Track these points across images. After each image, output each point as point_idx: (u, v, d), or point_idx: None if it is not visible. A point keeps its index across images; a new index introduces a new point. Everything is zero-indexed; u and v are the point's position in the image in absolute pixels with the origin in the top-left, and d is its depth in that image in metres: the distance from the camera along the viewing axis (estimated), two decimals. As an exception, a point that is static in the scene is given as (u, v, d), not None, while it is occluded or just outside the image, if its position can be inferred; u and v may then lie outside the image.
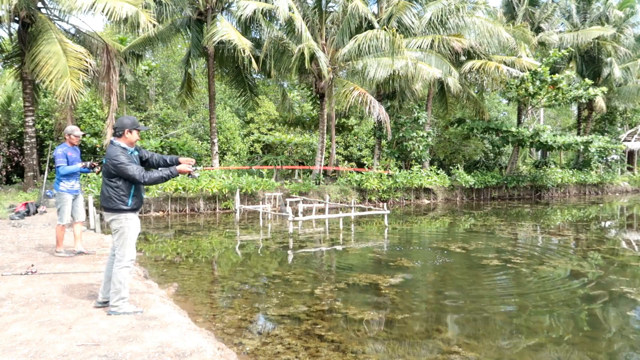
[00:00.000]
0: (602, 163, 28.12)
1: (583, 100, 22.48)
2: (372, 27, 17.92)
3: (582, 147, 23.14)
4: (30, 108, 15.51)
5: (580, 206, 19.91)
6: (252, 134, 27.76)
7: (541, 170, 24.40)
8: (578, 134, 28.62)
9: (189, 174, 4.48)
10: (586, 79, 22.00)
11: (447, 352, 4.38)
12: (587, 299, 6.34)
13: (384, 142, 22.02)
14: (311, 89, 21.17)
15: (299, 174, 22.92)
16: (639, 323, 5.37)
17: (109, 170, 4.31)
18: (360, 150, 28.92)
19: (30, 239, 8.18)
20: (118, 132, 4.40)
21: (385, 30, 16.45)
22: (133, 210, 4.42)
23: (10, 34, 16.39)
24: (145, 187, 4.57)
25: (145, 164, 4.67)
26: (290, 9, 16.17)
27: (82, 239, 7.19)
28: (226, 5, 19.18)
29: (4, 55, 17.19)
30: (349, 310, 5.48)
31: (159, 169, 4.47)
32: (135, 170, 4.26)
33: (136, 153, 4.60)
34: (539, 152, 33.44)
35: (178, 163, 4.58)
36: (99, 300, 4.59)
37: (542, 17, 26.26)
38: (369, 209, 14.40)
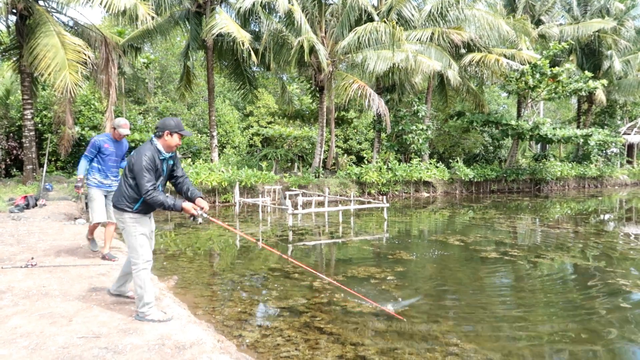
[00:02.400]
0: (601, 156, 28.16)
1: (583, 93, 22.45)
2: (371, 20, 17.85)
3: (581, 140, 23.13)
4: (29, 101, 15.47)
5: (579, 199, 19.93)
6: (252, 127, 27.72)
7: (541, 164, 24.41)
8: (578, 127, 28.62)
9: (193, 217, 4.12)
10: (586, 72, 21.95)
11: (446, 344, 4.41)
12: (585, 291, 6.36)
13: (383, 135, 22.01)
14: (310, 82, 21.12)
15: (298, 167, 22.92)
16: (634, 315, 5.40)
17: (130, 164, 4.00)
18: (359, 143, 28.90)
19: (30, 232, 8.19)
20: (158, 133, 4.07)
21: (385, 22, 16.39)
22: (139, 212, 4.12)
23: (8, 27, 16.31)
24: None
25: (173, 179, 4.38)
26: (289, 1, 16.10)
27: (111, 242, 6.51)
28: (225, -2, 19.10)
29: (1, 48, 17.10)
30: (348, 302, 5.50)
31: (169, 195, 4.13)
32: (146, 180, 3.91)
33: (171, 162, 4.25)
34: (539, 145, 33.47)
35: (194, 199, 4.27)
36: (110, 291, 4.68)
37: (542, 10, 26.17)
38: (369, 202, 14.41)
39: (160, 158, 4.07)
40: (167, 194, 4.09)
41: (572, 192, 23.59)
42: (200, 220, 4.14)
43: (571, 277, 7.26)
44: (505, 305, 5.70)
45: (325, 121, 19.83)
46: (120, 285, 4.60)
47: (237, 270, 7.27)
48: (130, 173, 4.03)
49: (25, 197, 11.34)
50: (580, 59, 27.24)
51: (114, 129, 6.04)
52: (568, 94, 22.26)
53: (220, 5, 18.93)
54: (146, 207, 4.12)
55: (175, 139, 4.06)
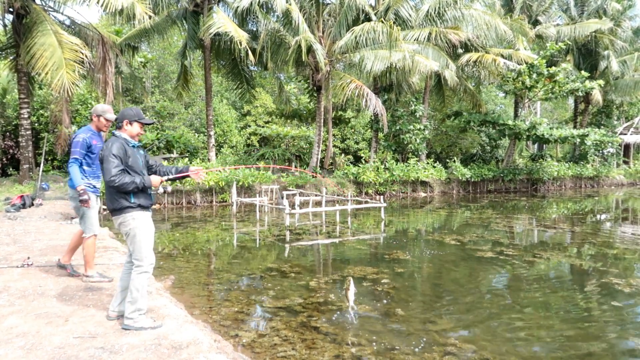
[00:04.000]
0: (598, 156, 28.22)
1: (580, 94, 22.50)
2: (369, 20, 17.86)
3: (578, 140, 23.20)
4: (26, 100, 15.42)
5: (576, 199, 19.99)
6: (249, 126, 27.70)
7: (537, 164, 24.47)
8: (574, 127, 28.68)
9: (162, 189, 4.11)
10: (583, 72, 22.02)
11: (443, 344, 4.42)
12: (581, 291, 6.39)
13: (380, 135, 22.01)
14: (308, 81, 21.10)
15: (295, 167, 22.91)
16: (630, 315, 5.42)
17: (101, 157, 3.85)
18: (357, 143, 28.91)
19: (26, 232, 8.17)
20: (118, 124, 4.02)
21: (382, 22, 16.39)
22: (140, 207, 3.91)
23: (4, 26, 16.28)
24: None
25: (149, 169, 4.22)
26: (287, 0, 16.09)
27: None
28: (223, -3, 19.08)
29: (-2, 47, 17.05)
30: (344, 302, 5.51)
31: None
32: (113, 165, 3.74)
33: (142, 152, 4.16)
34: (536, 145, 33.52)
35: (187, 170, 4.24)
36: (109, 313, 4.07)
37: (539, 10, 26.23)
38: (366, 202, 14.42)
39: (131, 145, 3.98)
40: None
41: (568, 192, 23.65)
42: (166, 189, 4.28)
43: (567, 276, 7.29)
44: (502, 305, 5.71)
45: (322, 121, 19.83)
46: (121, 302, 4.03)
47: (234, 270, 7.27)
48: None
49: (22, 196, 11.32)
50: (577, 59, 27.30)
51: (98, 116, 5.17)
52: (565, 94, 22.32)
53: (218, 5, 18.91)
54: (144, 199, 3.92)
55: (135, 128, 4.03)
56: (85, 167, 5.17)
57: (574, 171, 25.02)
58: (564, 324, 5.07)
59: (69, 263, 5.54)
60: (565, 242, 10.25)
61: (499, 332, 4.81)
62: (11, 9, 14.47)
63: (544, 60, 20.55)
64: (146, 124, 4.13)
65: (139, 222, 3.89)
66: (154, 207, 14.15)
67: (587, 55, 27.28)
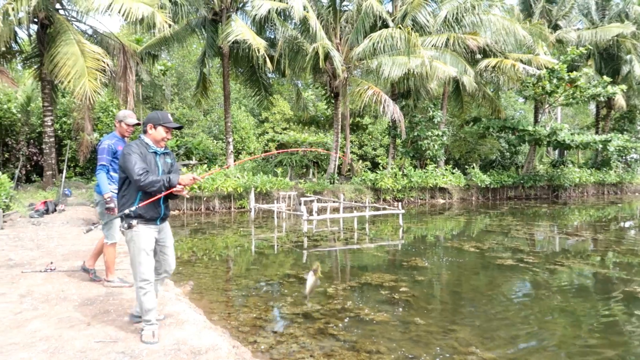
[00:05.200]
0: (621, 162, 27.65)
1: (602, 99, 22.12)
2: (386, 26, 17.85)
3: (600, 146, 22.77)
4: (49, 108, 15.76)
5: (598, 206, 19.59)
6: (267, 133, 27.86)
7: (558, 170, 24.08)
8: (597, 132, 28.16)
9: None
10: (605, 77, 21.65)
11: (464, 352, 4.35)
12: (605, 300, 6.24)
13: (398, 141, 21.93)
14: (325, 88, 21.17)
15: (313, 173, 22.94)
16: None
17: (119, 162, 3.74)
18: (374, 149, 28.84)
19: (49, 237, 8.32)
20: (143, 128, 3.83)
21: (400, 28, 16.37)
22: (141, 218, 3.65)
23: (29, 35, 16.68)
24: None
25: None
26: (305, 8, 16.18)
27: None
28: (241, 5, 19.27)
29: (23, 56, 17.48)
30: (362, 309, 5.47)
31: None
32: (137, 166, 3.54)
33: (169, 161, 3.89)
34: (557, 151, 32.98)
35: None
36: (132, 312, 4.11)
37: (559, 15, 25.90)
38: (384, 209, 14.35)
39: (150, 151, 3.75)
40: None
41: (591, 198, 23.21)
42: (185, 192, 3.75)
43: (590, 285, 7.13)
44: (524, 314, 5.61)
45: (340, 127, 19.85)
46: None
47: (252, 276, 7.28)
48: (121, 173, 3.74)
49: (45, 202, 11.53)
50: (598, 63, 26.85)
51: (120, 122, 5.14)
52: (586, 99, 21.97)
53: (236, 13, 19.11)
54: (150, 210, 3.67)
55: (159, 132, 3.77)
56: (112, 174, 5.14)
57: (596, 178, 24.55)
58: (588, 334, 4.96)
59: (93, 268, 5.57)
60: (587, 250, 10.04)
61: (521, 341, 4.72)
62: (36, 20, 14.83)
63: (565, 65, 20.27)
64: (172, 129, 3.86)
65: (136, 236, 3.65)
66: (173, 213, 14.02)
67: (609, 59, 26.82)
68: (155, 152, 3.80)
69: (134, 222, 3.63)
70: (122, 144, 5.13)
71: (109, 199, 4.99)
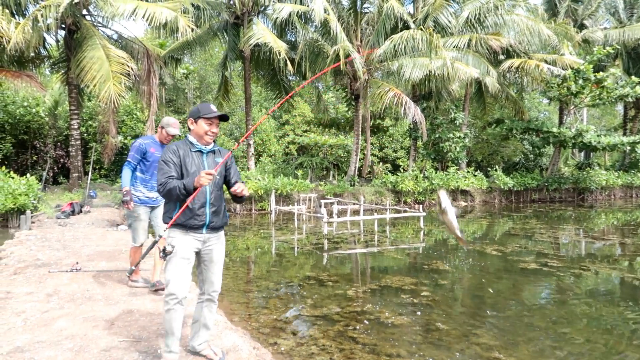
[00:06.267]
0: (650, 164, 26.90)
1: (629, 99, 21.56)
2: (407, 27, 17.76)
3: (628, 147, 22.21)
4: (76, 112, 16.12)
5: (626, 209, 19.10)
6: (287, 135, 27.97)
7: (584, 172, 23.56)
8: (624, 134, 27.47)
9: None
10: (633, 77, 21.10)
11: (487, 358, 4.29)
12: (633, 306, 6.07)
13: (419, 143, 21.77)
14: (346, 90, 21.16)
15: (333, 175, 22.94)
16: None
17: None
18: (395, 151, 28.69)
19: (75, 238, 8.50)
20: (187, 126, 3.42)
21: (421, 30, 16.26)
22: (180, 226, 3.24)
23: (57, 41, 17.13)
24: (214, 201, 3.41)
25: (226, 184, 3.57)
26: (325, 10, 16.22)
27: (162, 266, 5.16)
28: (262, 9, 19.42)
29: (51, 61, 17.95)
30: (383, 312, 5.44)
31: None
32: (162, 173, 3.19)
33: (218, 160, 3.40)
34: (582, 153, 32.30)
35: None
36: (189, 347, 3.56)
37: (585, 14, 25.38)
38: (404, 211, 14.25)
39: (194, 150, 3.32)
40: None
41: (618, 201, 22.64)
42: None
43: (617, 290, 6.95)
44: (548, 319, 5.49)
45: (360, 129, 19.80)
46: (192, 337, 3.53)
47: (273, 277, 7.31)
48: None
49: (71, 204, 11.80)
50: (626, 63, 26.22)
51: (162, 128, 5.05)
52: (613, 100, 21.44)
53: (257, 17, 19.26)
54: (192, 218, 3.22)
55: (201, 126, 3.28)
56: (138, 173, 5.11)
57: (624, 180, 23.95)
58: (615, 340, 4.83)
59: (153, 281, 5.28)
60: (614, 254, 9.80)
61: (546, 347, 4.63)
62: (63, 25, 15.21)
63: (591, 65, 19.84)
64: (217, 119, 3.32)
65: (174, 242, 3.24)
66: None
67: (637, 59, 26.16)
68: (201, 151, 3.35)
69: (172, 233, 3.27)
70: (155, 147, 5.09)
71: (125, 192, 4.97)
